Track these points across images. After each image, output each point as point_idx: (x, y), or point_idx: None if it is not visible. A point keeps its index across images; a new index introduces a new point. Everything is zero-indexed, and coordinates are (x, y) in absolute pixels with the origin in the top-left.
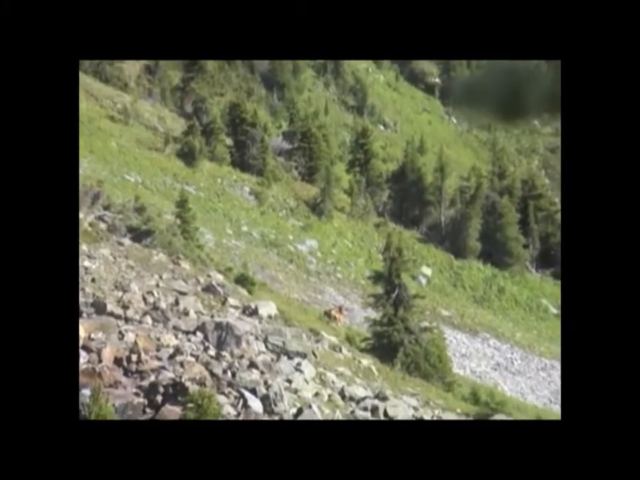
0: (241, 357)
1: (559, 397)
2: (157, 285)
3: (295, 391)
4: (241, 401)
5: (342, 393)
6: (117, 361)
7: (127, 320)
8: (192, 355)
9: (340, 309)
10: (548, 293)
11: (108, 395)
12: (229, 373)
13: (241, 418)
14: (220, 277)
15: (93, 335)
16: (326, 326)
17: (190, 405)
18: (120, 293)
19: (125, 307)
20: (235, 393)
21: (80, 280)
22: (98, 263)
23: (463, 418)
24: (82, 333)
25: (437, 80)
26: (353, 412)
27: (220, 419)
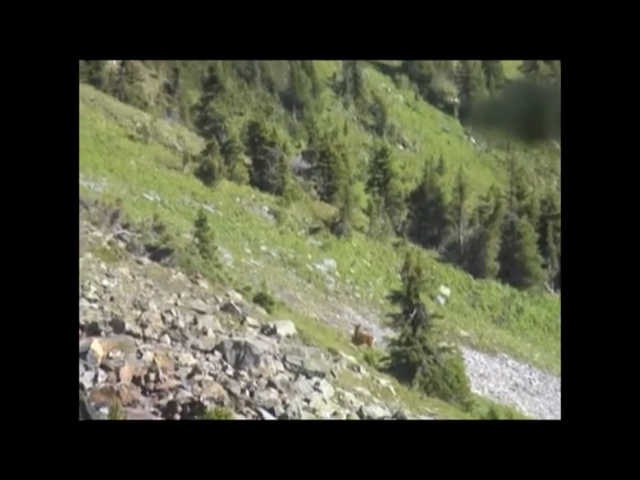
0: (259, 376)
1: None
2: (176, 304)
3: (313, 411)
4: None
5: (360, 413)
6: (135, 380)
7: (145, 339)
8: (210, 374)
9: (357, 328)
10: None
11: (126, 413)
12: (247, 392)
13: None
14: (238, 296)
15: (111, 354)
16: (344, 345)
17: None
18: (138, 312)
19: (144, 326)
20: (252, 412)
21: (98, 298)
22: (116, 282)
23: None
24: (100, 352)
25: (456, 100)
26: None
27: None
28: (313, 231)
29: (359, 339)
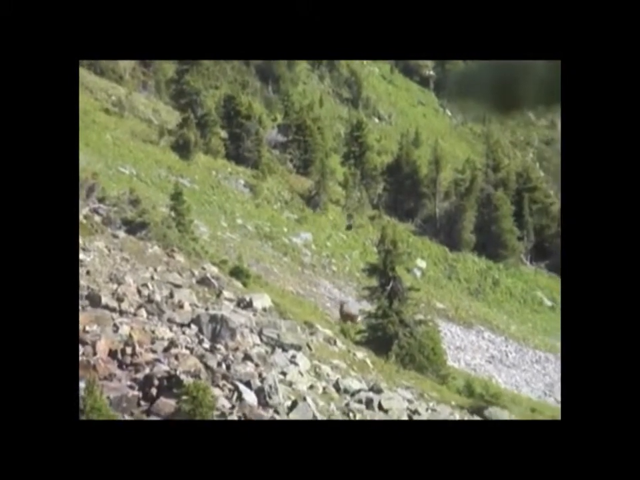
0: (236, 349)
1: (553, 389)
2: (152, 278)
3: (290, 384)
4: (236, 394)
5: (337, 386)
6: (112, 354)
7: (121, 313)
8: (187, 347)
9: (342, 306)
10: (542, 285)
11: (102, 387)
12: (224, 366)
13: (235, 410)
14: (215, 270)
15: (87, 328)
16: (320, 319)
17: (185, 398)
18: (115, 286)
19: (120, 300)
20: (229, 386)
21: None
22: (93, 256)
23: (458, 410)
24: None
25: (432, 72)
26: (347, 404)
27: (215, 411)
28: (289, 204)
29: (345, 316)
